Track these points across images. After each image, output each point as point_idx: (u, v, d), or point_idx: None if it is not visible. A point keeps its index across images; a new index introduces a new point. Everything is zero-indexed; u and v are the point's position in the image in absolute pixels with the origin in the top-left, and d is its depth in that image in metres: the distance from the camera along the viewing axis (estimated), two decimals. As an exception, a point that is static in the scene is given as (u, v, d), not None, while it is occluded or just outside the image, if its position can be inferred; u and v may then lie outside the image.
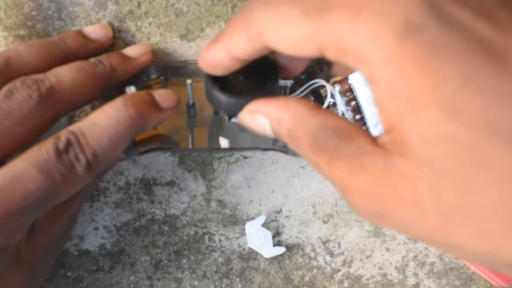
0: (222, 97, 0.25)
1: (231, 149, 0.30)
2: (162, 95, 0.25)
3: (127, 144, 0.24)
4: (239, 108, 0.26)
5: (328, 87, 0.28)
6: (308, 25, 0.16)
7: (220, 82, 0.26)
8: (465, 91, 0.13)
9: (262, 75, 0.26)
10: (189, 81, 0.27)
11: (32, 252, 0.25)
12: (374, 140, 0.17)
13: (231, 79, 0.26)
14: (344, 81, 0.27)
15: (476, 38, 0.13)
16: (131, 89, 0.27)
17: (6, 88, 0.23)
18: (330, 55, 0.16)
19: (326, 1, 0.16)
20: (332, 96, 0.28)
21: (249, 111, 0.22)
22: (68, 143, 0.22)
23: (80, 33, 0.28)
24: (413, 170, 0.15)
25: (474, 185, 0.14)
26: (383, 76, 0.15)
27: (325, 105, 0.28)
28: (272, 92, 0.27)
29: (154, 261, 0.34)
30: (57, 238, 0.27)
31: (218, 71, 0.23)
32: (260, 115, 0.21)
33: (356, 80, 0.26)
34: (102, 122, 0.23)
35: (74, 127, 0.23)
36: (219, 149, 0.31)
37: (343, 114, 0.27)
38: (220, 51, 0.22)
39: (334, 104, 0.29)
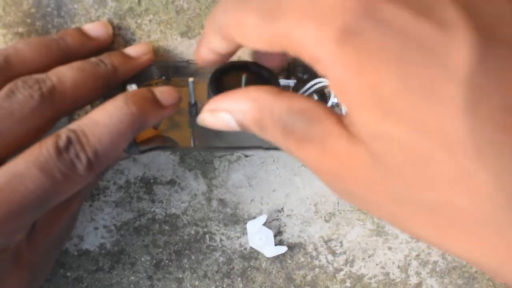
0: None
1: (233, 148, 0.30)
2: (163, 92, 0.25)
3: (128, 142, 0.24)
4: None
5: None
6: (266, 30, 0.17)
7: (221, 88, 0.26)
8: (400, 91, 0.14)
9: (263, 80, 0.26)
10: (191, 79, 0.27)
11: (32, 251, 0.25)
12: (340, 120, 0.17)
13: (233, 85, 0.26)
14: None
15: (414, 38, 0.14)
16: (133, 87, 0.26)
17: (7, 87, 0.23)
18: (291, 54, 0.17)
19: (276, 7, 0.17)
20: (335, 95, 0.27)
21: (209, 111, 0.21)
22: (69, 141, 0.22)
23: (80, 31, 0.28)
24: (368, 159, 0.16)
25: (409, 181, 0.15)
26: (332, 75, 0.15)
27: (329, 104, 0.28)
28: None
29: (154, 261, 0.33)
30: (58, 238, 0.27)
31: (210, 65, 0.24)
32: (222, 113, 0.21)
33: None
34: (103, 120, 0.23)
35: (74, 125, 0.23)
36: (220, 147, 0.30)
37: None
38: (205, 49, 0.23)
39: (338, 104, 0.28)
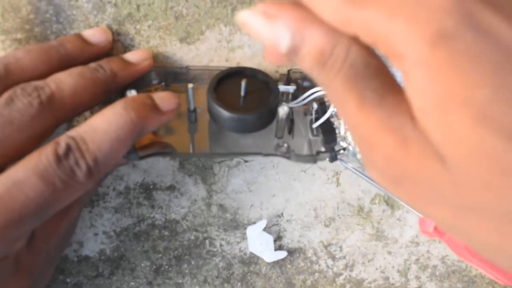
0: (224, 113, 0.26)
1: (232, 154, 0.30)
2: (162, 98, 0.25)
3: (128, 149, 0.24)
4: (240, 124, 0.26)
5: None
6: (349, 10, 0.16)
7: (222, 97, 0.26)
8: (495, 100, 0.13)
9: (264, 93, 0.26)
10: (190, 85, 0.27)
11: (32, 259, 0.25)
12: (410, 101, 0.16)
13: (233, 91, 0.26)
14: None
15: (510, 48, 0.14)
16: (132, 93, 0.26)
17: (6, 95, 0.23)
18: (366, 40, 0.16)
19: None
20: None
21: (265, 14, 0.17)
22: (68, 148, 0.22)
23: (80, 37, 0.27)
24: (439, 161, 0.15)
25: (494, 190, 0.14)
26: (414, 74, 0.15)
27: (328, 114, 0.28)
28: (274, 110, 0.27)
29: (154, 267, 0.33)
30: (57, 244, 0.27)
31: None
32: (281, 24, 0.17)
33: None
34: (102, 126, 0.23)
35: (73, 132, 0.23)
36: (220, 154, 0.30)
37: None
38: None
39: (337, 115, 0.28)
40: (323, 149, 0.29)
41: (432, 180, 0.15)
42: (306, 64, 0.17)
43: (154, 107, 0.25)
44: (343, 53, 0.16)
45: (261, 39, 0.18)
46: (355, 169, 0.31)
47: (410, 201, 0.17)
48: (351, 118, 0.17)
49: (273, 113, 0.27)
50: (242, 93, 0.27)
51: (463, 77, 0.14)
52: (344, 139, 0.29)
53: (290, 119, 0.29)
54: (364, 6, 0.15)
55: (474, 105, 0.14)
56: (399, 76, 0.17)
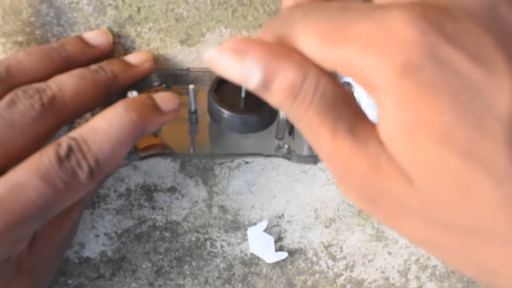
0: (225, 113, 0.26)
1: (233, 155, 0.30)
2: (163, 98, 0.25)
3: (129, 149, 0.24)
4: (241, 125, 0.26)
5: None
6: (326, 49, 0.17)
7: (222, 98, 0.26)
8: (455, 124, 0.15)
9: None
10: (191, 86, 0.27)
11: (34, 260, 0.25)
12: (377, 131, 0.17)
13: (234, 93, 0.26)
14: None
15: (467, 80, 0.15)
16: (133, 94, 0.26)
17: (8, 97, 0.23)
18: (342, 73, 0.18)
19: (341, 30, 0.17)
20: None
21: (235, 51, 0.17)
22: (70, 149, 0.22)
23: (81, 39, 0.28)
24: (406, 181, 0.17)
25: (455, 205, 0.16)
26: (384, 103, 0.16)
27: None
28: (274, 111, 0.27)
29: (155, 268, 0.33)
30: (59, 246, 0.27)
31: None
32: (251, 59, 0.17)
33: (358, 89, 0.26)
34: (104, 127, 0.23)
35: (75, 133, 0.23)
36: (220, 155, 0.30)
37: None
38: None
39: None
40: None
41: (402, 199, 0.17)
42: (276, 99, 0.18)
43: (155, 107, 0.25)
44: (313, 85, 0.17)
45: (230, 77, 0.18)
46: None
47: (384, 220, 0.19)
48: (325, 147, 0.18)
49: (274, 114, 0.27)
50: (243, 94, 0.27)
51: (427, 105, 0.15)
52: None
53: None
54: (340, 44, 0.17)
55: (436, 129, 0.15)
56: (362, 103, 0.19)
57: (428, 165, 0.16)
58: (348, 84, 0.27)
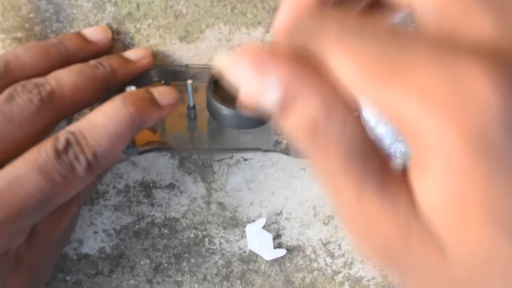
0: (223, 109, 0.26)
1: (231, 149, 0.30)
2: (161, 92, 0.25)
3: (127, 143, 0.24)
4: (240, 120, 0.26)
5: None
6: (366, 86, 0.14)
7: (221, 93, 0.26)
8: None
9: None
10: (189, 81, 0.27)
11: (33, 255, 0.25)
12: (412, 195, 0.14)
13: (232, 91, 0.27)
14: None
15: None
16: (132, 88, 0.26)
17: (6, 92, 0.23)
18: (383, 115, 0.14)
19: (394, 69, 0.13)
20: None
21: (255, 62, 0.15)
22: (68, 143, 0.22)
23: (80, 35, 0.28)
24: (437, 255, 0.14)
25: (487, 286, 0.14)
26: (436, 168, 0.13)
27: None
28: None
29: (154, 264, 0.33)
30: (58, 241, 0.27)
31: None
32: (271, 76, 0.14)
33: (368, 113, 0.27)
34: (101, 121, 0.23)
35: (73, 127, 0.23)
36: (218, 149, 0.31)
37: None
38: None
39: None
40: None
41: (430, 270, 0.14)
42: (292, 129, 0.15)
43: (153, 101, 0.25)
44: (339, 125, 0.14)
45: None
46: None
47: (405, 283, 0.16)
48: (348, 205, 0.15)
49: None
50: None
51: (490, 187, 0.13)
52: None
53: None
54: (393, 87, 0.13)
55: (495, 212, 0.13)
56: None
57: (474, 245, 0.13)
58: None
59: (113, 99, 0.24)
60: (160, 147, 0.28)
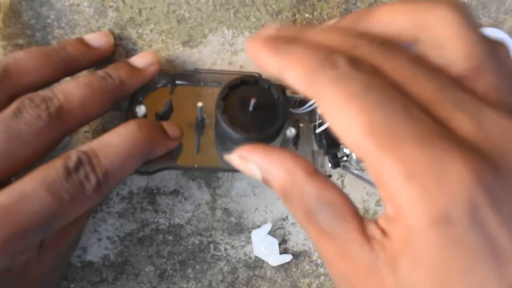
0: (232, 133, 0.26)
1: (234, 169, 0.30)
2: (169, 125, 0.26)
3: (137, 167, 0.24)
4: (246, 141, 0.26)
5: None
6: (360, 142, 0.16)
7: (230, 117, 0.26)
8: (460, 279, 0.15)
9: (271, 113, 0.26)
10: (200, 104, 0.27)
11: (40, 269, 0.25)
12: (364, 228, 0.18)
13: (241, 115, 0.26)
14: None
15: (492, 244, 0.15)
16: (141, 109, 0.27)
17: (14, 106, 0.23)
18: (367, 171, 0.17)
19: (391, 134, 0.16)
20: None
21: (240, 157, 0.21)
22: (79, 162, 0.22)
23: (81, 41, 0.27)
24: (391, 282, 0.16)
25: None
26: (402, 236, 0.16)
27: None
28: (279, 129, 0.27)
29: (158, 271, 0.33)
30: (64, 253, 0.27)
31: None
32: (251, 164, 0.21)
33: None
34: (115, 141, 0.23)
35: (86, 147, 0.23)
36: (225, 169, 0.30)
37: None
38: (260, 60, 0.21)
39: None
40: (329, 164, 0.29)
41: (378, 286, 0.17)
42: (275, 191, 0.20)
43: (163, 131, 0.26)
44: (299, 191, 0.19)
45: (242, 172, 0.22)
46: (358, 174, 0.31)
47: None
48: (314, 244, 0.20)
49: (280, 129, 0.27)
50: (251, 108, 0.26)
51: (444, 258, 0.15)
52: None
53: (296, 133, 0.29)
54: (385, 151, 0.16)
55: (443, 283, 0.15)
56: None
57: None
58: None
59: (128, 122, 0.24)
60: (170, 166, 0.28)
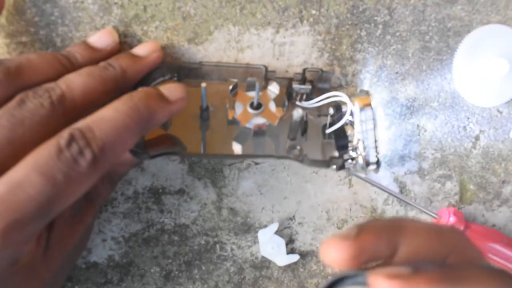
0: None
1: (244, 155, 0.30)
2: (169, 88, 0.25)
3: (136, 139, 0.23)
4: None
5: (349, 105, 0.27)
6: None
7: None
8: None
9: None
10: (203, 85, 0.26)
11: (47, 267, 0.24)
12: None
13: None
14: (366, 102, 0.27)
15: None
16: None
17: (18, 97, 0.22)
18: None
19: None
20: (351, 113, 0.27)
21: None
22: (72, 138, 0.21)
23: (87, 46, 0.27)
24: None
25: None
26: None
27: (343, 121, 0.27)
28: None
29: (164, 272, 0.33)
30: (71, 252, 0.26)
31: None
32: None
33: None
34: (109, 114, 0.22)
35: (79, 123, 0.22)
36: (231, 155, 0.30)
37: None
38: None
39: (352, 123, 0.28)
40: (336, 154, 0.29)
41: None
42: None
43: (161, 96, 0.25)
44: None
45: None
46: (363, 177, 0.30)
47: None
48: None
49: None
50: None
51: None
52: (355, 149, 0.28)
53: (304, 121, 0.28)
54: None
55: None
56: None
57: None
58: (366, 92, 0.27)
59: (121, 97, 0.24)
60: (171, 151, 0.27)
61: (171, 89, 0.25)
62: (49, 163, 0.21)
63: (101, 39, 0.28)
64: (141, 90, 0.24)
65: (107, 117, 0.22)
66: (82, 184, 0.22)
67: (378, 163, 0.28)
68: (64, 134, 0.21)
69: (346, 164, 0.28)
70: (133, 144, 0.23)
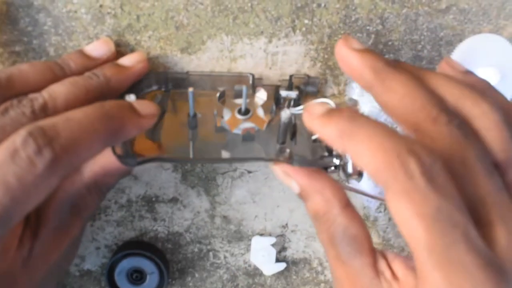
0: None
1: (233, 159, 0.30)
2: (142, 103, 0.25)
3: (103, 149, 0.22)
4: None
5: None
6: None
7: None
8: None
9: None
10: (191, 89, 0.26)
11: (29, 278, 0.24)
12: (375, 263, 0.21)
13: None
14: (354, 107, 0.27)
15: None
16: (131, 97, 0.26)
17: (3, 106, 0.22)
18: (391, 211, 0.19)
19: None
20: None
21: (284, 172, 0.25)
22: (29, 135, 0.20)
23: (82, 54, 0.27)
24: None
25: None
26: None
27: None
28: None
29: (157, 280, 0.33)
30: (57, 264, 0.26)
31: None
32: (292, 181, 0.24)
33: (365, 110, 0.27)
34: (77, 116, 0.21)
35: (43, 121, 0.21)
36: (220, 159, 0.30)
37: None
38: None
39: None
40: (326, 153, 0.29)
41: None
42: (307, 208, 0.24)
43: (132, 108, 0.24)
44: (331, 219, 0.22)
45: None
46: (349, 186, 0.30)
47: None
48: (330, 264, 0.23)
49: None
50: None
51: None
52: (338, 157, 0.28)
53: (293, 124, 0.29)
54: (435, 273, 0.18)
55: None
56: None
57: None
58: (355, 101, 0.27)
59: (93, 103, 0.23)
60: (159, 157, 0.27)
61: (143, 105, 0.24)
62: (2, 167, 0.19)
63: (97, 48, 0.28)
64: (113, 101, 0.24)
65: (75, 118, 0.21)
66: (38, 188, 0.20)
67: (360, 172, 0.28)
68: (21, 132, 0.20)
69: (329, 172, 0.28)
70: (99, 152, 0.22)
